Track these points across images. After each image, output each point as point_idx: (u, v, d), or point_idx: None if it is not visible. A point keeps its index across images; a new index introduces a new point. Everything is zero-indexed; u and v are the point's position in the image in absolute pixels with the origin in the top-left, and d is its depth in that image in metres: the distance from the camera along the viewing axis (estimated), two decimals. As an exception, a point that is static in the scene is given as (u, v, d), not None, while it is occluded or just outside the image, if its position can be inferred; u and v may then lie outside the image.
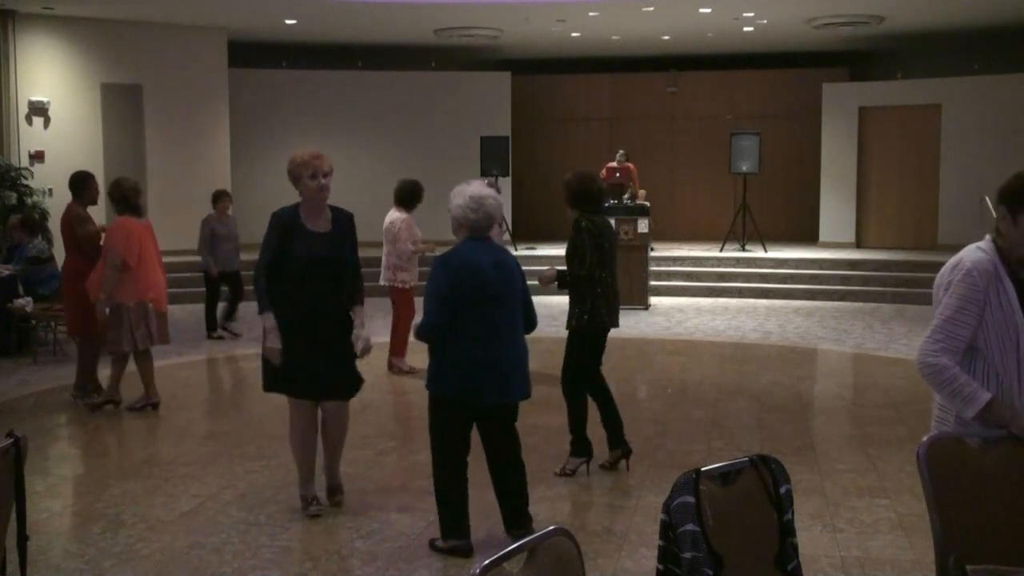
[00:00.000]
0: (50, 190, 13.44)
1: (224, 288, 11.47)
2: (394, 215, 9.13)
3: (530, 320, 4.96)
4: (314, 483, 5.46)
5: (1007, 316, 3.39)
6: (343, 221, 5.33)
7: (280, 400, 8.51)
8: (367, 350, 5.28)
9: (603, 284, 6.03)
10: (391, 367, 9.29)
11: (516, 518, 4.95)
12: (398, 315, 9.28)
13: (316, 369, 5.23)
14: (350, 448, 6.74)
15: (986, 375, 3.43)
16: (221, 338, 11.20)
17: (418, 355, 8.69)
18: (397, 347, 9.31)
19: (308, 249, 5.15)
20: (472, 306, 4.68)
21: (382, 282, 9.23)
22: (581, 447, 6.14)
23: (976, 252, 3.46)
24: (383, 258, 9.19)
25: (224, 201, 11.43)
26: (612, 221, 13.68)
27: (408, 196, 9.14)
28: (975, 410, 3.36)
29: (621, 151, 17.17)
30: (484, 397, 4.75)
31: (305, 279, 5.16)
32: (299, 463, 5.45)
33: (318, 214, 5.26)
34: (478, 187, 4.86)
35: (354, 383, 5.43)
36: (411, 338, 9.49)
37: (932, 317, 3.54)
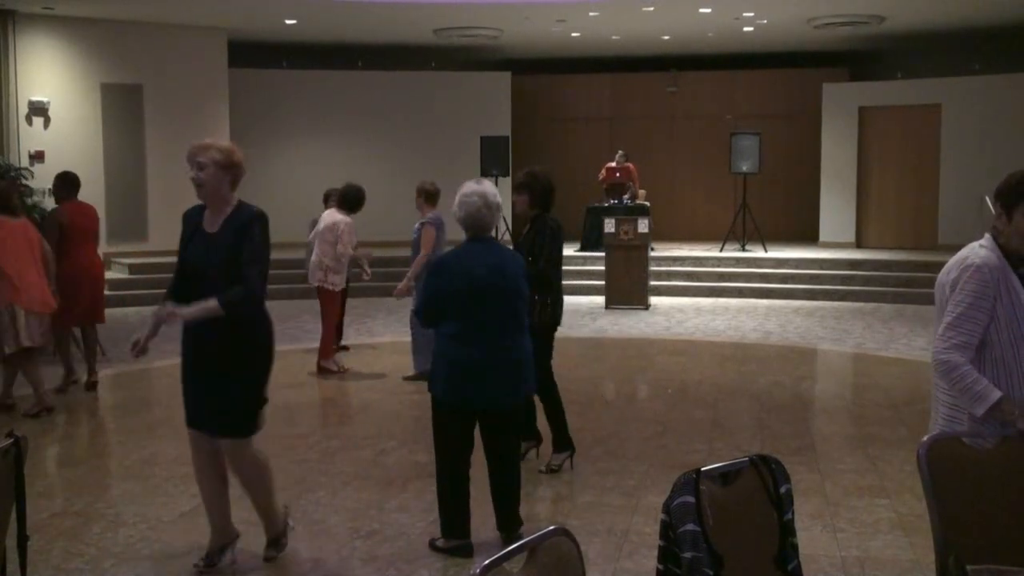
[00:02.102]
0: (50, 190, 13.42)
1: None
2: (337, 217, 9.14)
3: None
4: (220, 533, 4.69)
5: (1016, 310, 3.45)
6: (236, 222, 4.43)
7: (281, 401, 8.55)
8: (160, 317, 4.43)
9: (559, 284, 6.09)
10: (319, 370, 9.29)
11: (504, 520, 4.97)
12: (325, 318, 9.29)
13: (197, 396, 4.56)
14: (351, 448, 6.78)
15: (995, 368, 3.48)
16: (335, 350, 9.69)
17: (356, 357, 8.80)
18: (323, 349, 9.32)
19: (190, 253, 4.52)
20: (456, 308, 4.70)
21: (312, 283, 9.22)
22: (563, 442, 6.18)
23: (981, 249, 3.52)
24: (315, 258, 9.15)
25: (331, 201, 10.23)
26: (613, 221, 13.96)
27: (355, 201, 9.21)
28: (985, 407, 3.41)
29: (620, 151, 17.20)
30: (469, 399, 4.76)
31: (192, 288, 4.46)
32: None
33: (213, 211, 4.49)
34: (470, 186, 4.86)
35: (233, 422, 4.49)
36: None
37: (933, 316, 3.58)
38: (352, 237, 9.16)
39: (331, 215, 9.21)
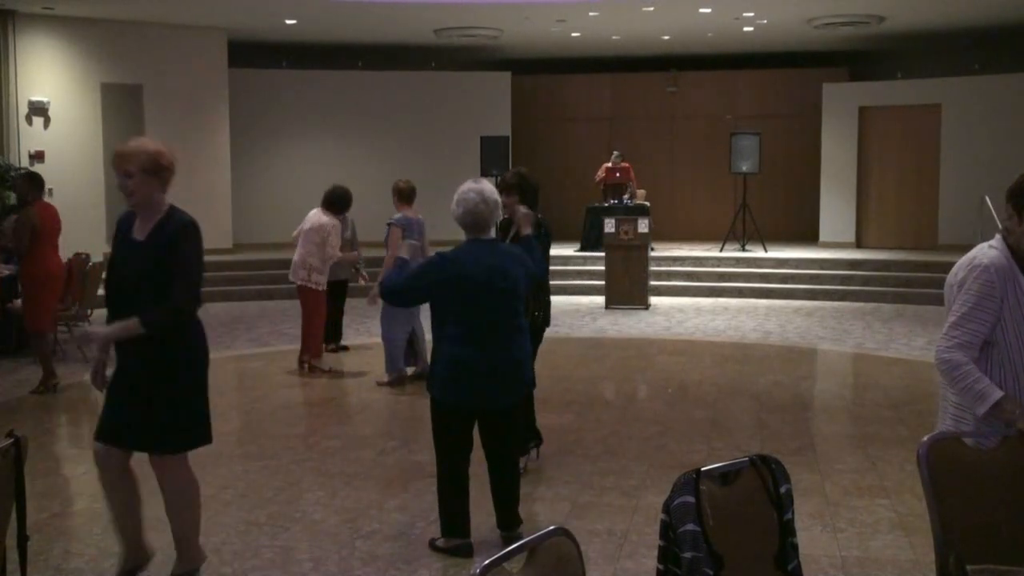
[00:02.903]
0: (50, 190, 13.41)
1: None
2: (323, 218, 9.14)
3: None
4: (133, 554, 4.38)
5: (1023, 311, 3.44)
6: (165, 231, 4.20)
7: (280, 401, 8.55)
8: (83, 339, 4.25)
9: (548, 285, 6.11)
10: (304, 367, 9.32)
11: (504, 518, 4.98)
12: (308, 317, 9.29)
13: (120, 410, 4.26)
14: (351, 448, 6.78)
15: (1001, 370, 3.48)
16: (334, 351, 10.19)
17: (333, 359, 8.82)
18: (313, 348, 9.32)
19: (117, 261, 4.33)
20: (456, 309, 4.70)
21: (297, 281, 9.23)
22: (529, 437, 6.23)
23: (989, 250, 3.51)
24: (298, 257, 9.16)
25: None
26: (613, 221, 13.96)
27: (341, 202, 9.22)
28: (987, 407, 3.41)
29: (616, 152, 17.21)
30: (468, 399, 4.76)
31: (121, 297, 4.27)
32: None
33: (143, 218, 4.27)
34: (468, 184, 4.85)
35: (160, 437, 4.24)
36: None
37: (943, 316, 3.58)
38: (338, 238, 9.16)
39: (317, 216, 9.21)
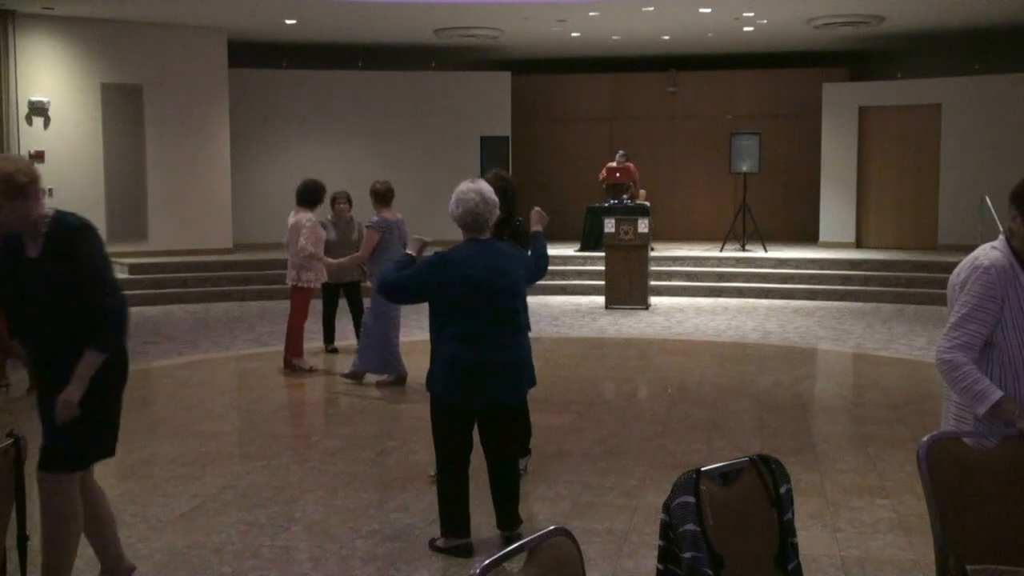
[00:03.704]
0: (50, 190, 13.45)
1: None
2: (298, 215, 9.15)
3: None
4: (111, 572, 4.33)
5: None
6: (56, 241, 3.96)
7: (281, 401, 8.55)
8: (63, 415, 3.91)
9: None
10: (288, 365, 9.33)
11: (504, 519, 4.98)
12: (292, 315, 9.31)
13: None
14: (351, 448, 6.78)
15: (1002, 371, 3.49)
16: (335, 351, 10.20)
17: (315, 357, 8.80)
18: (294, 347, 9.33)
19: (20, 281, 4.03)
20: (455, 308, 4.70)
21: (289, 283, 9.31)
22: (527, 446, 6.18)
23: (992, 251, 3.52)
24: (289, 259, 9.24)
25: (339, 202, 10.00)
26: (613, 221, 13.96)
27: (310, 196, 9.20)
28: (986, 407, 3.41)
29: (620, 151, 17.20)
30: (468, 399, 4.77)
31: (29, 317, 4.06)
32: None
33: (30, 235, 4.00)
34: (467, 184, 4.86)
35: (51, 454, 4.02)
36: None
37: (946, 316, 3.60)
38: (315, 234, 9.08)
39: (293, 215, 9.20)
